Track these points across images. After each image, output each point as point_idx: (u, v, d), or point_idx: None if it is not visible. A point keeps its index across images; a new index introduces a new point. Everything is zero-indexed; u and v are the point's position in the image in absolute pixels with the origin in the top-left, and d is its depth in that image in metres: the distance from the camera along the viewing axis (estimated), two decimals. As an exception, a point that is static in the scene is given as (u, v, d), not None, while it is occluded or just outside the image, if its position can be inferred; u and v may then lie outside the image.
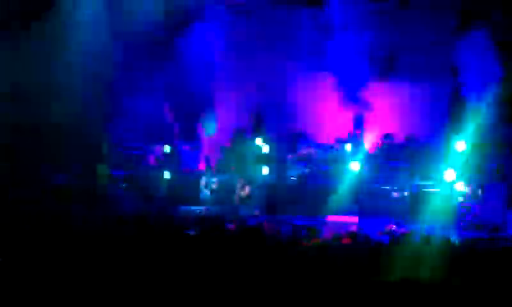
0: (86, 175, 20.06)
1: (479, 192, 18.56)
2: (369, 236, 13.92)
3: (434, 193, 18.86)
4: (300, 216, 18.35)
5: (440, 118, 20.82)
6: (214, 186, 20.38)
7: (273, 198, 19.94)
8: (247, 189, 20.11)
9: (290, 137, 21.63)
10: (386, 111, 21.09)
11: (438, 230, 15.56)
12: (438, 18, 20.99)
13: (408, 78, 21.34)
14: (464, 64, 20.30)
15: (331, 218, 18.03)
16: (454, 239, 14.14)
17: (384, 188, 19.56)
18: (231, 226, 15.24)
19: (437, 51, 20.96)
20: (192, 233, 13.78)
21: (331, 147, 21.36)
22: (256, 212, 19.00)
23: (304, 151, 21.40)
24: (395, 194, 18.80)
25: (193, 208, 19.43)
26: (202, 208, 19.61)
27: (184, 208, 19.26)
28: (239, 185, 19.94)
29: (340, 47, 21.53)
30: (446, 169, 18.97)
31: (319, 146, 21.45)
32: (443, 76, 21.01)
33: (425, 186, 19.26)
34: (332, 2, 21.38)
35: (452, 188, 18.68)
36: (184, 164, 20.91)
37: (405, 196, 18.97)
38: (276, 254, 11.66)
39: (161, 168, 20.61)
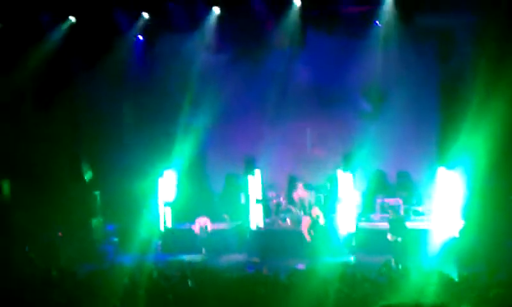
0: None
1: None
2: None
3: (427, 230, 18.95)
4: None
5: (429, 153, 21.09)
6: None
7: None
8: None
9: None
10: (378, 147, 21.25)
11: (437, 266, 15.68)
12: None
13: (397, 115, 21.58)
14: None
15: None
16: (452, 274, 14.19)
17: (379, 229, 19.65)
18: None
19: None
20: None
21: (324, 187, 21.46)
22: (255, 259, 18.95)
23: (296, 193, 21.46)
24: (389, 237, 18.81)
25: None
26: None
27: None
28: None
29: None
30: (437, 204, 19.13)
31: (311, 187, 21.54)
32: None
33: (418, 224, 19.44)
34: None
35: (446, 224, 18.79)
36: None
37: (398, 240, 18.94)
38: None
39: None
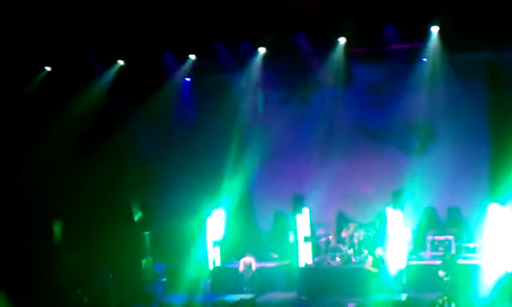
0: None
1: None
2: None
3: (479, 267, 18.64)
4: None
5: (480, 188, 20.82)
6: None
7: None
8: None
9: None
10: (427, 183, 21.03)
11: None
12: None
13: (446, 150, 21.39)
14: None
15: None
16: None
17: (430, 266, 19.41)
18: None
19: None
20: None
21: (373, 225, 21.28)
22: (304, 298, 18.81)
23: (346, 231, 21.34)
24: (441, 274, 18.55)
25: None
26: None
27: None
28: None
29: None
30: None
31: (360, 225, 21.40)
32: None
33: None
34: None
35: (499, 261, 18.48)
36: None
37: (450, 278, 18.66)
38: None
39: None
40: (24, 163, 20.10)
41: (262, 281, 20.60)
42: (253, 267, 20.61)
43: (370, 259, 19.50)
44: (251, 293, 19.95)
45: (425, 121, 21.72)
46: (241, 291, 20.03)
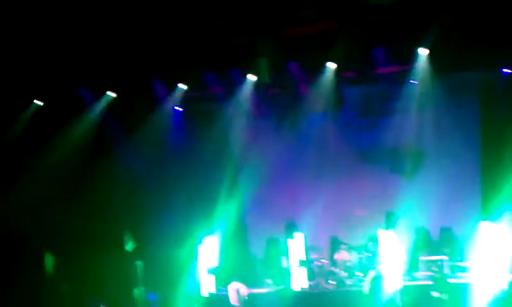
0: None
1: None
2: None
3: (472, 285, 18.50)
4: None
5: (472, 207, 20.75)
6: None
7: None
8: None
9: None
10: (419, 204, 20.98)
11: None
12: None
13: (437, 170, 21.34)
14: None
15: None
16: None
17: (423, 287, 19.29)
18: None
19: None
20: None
21: (366, 247, 21.17)
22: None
23: (339, 255, 21.23)
24: (434, 295, 18.46)
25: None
26: None
27: None
28: None
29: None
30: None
31: (353, 248, 21.29)
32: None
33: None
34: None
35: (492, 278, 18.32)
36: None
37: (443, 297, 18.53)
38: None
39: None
40: (15, 196, 20.16)
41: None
42: (241, 293, 20.50)
43: (368, 280, 19.37)
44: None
45: (416, 143, 21.73)
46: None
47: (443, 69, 20.55)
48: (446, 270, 19.64)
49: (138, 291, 21.34)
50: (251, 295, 20.59)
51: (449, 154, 21.36)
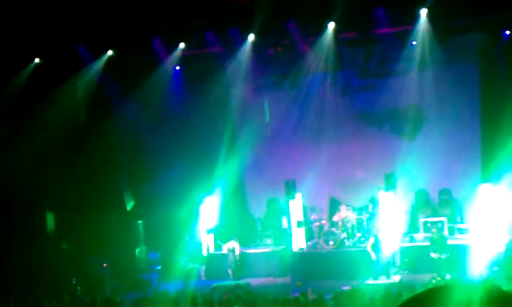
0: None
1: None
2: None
3: (471, 246, 18.73)
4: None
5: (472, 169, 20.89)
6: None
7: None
8: None
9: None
10: (419, 166, 21.07)
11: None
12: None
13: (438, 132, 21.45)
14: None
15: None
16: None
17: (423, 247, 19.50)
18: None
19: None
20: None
21: (366, 208, 21.31)
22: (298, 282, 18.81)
23: (338, 215, 21.33)
24: (433, 256, 18.67)
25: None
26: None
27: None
28: None
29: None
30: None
31: (353, 208, 21.39)
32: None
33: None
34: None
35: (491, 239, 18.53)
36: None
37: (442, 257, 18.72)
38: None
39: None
40: (15, 155, 20.00)
41: (256, 267, 20.65)
42: (237, 251, 20.67)
43: (371, 240, 19.47)
44: (235, 276, 20.19)
45: (417, 105, 21.77)
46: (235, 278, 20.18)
47: (444, 31, 20.51)
48: (445, 232, 19.85)
49: (140, 250, 21.45)
50: (250, 255, 20.79)
51: (449, 116, 21.41)
